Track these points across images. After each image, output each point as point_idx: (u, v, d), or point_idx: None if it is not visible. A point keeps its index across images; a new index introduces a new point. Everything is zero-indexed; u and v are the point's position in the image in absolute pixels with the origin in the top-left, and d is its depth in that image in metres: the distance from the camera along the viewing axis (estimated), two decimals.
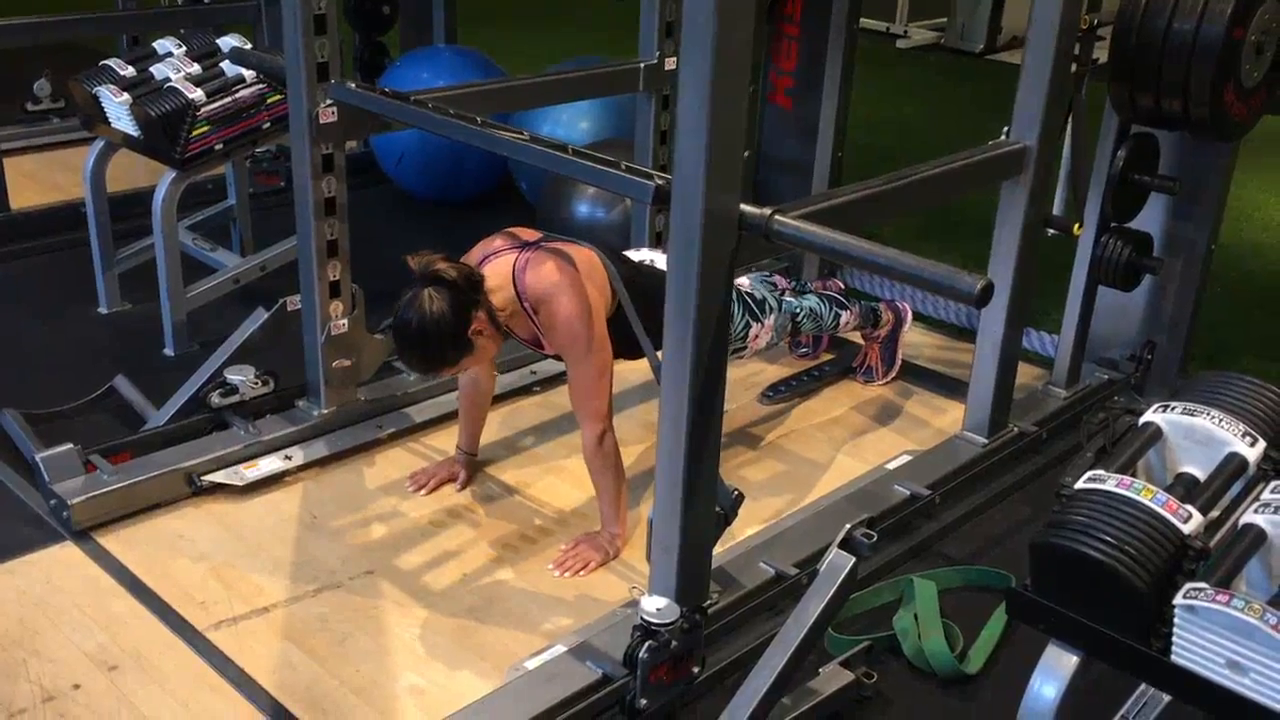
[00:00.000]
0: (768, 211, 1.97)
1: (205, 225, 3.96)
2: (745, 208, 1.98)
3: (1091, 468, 1.56)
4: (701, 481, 2.14)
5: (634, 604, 2.29)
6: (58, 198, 4.41)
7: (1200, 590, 1.35)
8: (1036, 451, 3.00)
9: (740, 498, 2.27)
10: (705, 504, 2.17)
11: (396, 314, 2.38)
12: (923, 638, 2.31)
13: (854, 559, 2.07)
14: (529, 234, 2.59)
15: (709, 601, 2.25)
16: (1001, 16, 8.07)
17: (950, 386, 3.37)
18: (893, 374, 3.39)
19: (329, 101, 2.65)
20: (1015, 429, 2.94)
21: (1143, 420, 1.64)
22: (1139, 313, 3.26)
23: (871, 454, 3.01)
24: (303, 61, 2.59)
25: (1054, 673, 1.54)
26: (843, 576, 2.06)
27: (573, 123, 4.31)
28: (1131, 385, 3.25)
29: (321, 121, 2.65)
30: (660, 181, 2.04)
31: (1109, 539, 1.44)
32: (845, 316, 3.19)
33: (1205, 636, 1.35)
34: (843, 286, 3.56)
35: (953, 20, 8.20)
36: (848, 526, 2.12)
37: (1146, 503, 1.46)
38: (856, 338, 3.40)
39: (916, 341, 3.59)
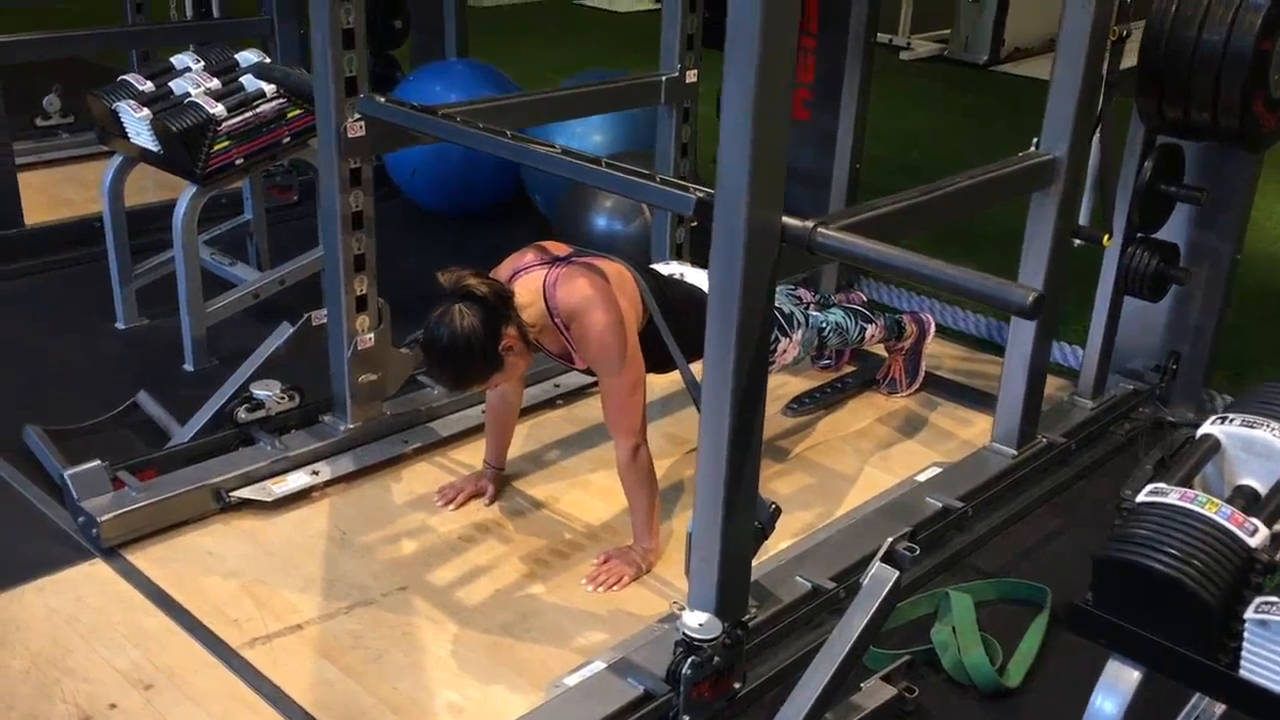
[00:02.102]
0: (810, 224, 1.97)
1: (222, 240, 3.95)
2: (787, 220, 1.97)
3: (1151, 480, 1.55)
4: (741, 495, 2.12)
5: (671, 619, 2.28)
6: (69, 213, 4.40)
7: (1273, 604, 1.34)
8: (1065, 463, 2.99)
9: (778, 511, 2.26)
10: (745, 518, 2.16)
11: (427, 330, 2.37)
12: (962, 651, 2.30)
13: (897, 573, 2.06)
14: (559, 248, 2.58)
15: (748, 616, 2.24)
16: (1005, 29, 8.09)
17: (974, 398, 3.36)
18: (916, 385, 3.38)
19: (357, 116, 2.64)
20: (1044, 440, 2.93)
21: (1201, 432, 1.63)
22: (1162, 323, 3.26)
23: (899, 466, 3.00)
24: (331, 76, 2.58)
25: (1115, 688, 1.53)
26: (886, 590, 2.04)
27: (586, 135, 4.30)
28: (1156, 396, 3.25)
29: (349, 136, 2.64)
30: (701, 194, 2.03)
31: (1174, 552, 1.43)
32: (870, 330, 3.18)
33: (1278, 651, 1.34)
34: (864, 298, 3.56)
35: (956, 32, 8.22)
36: (890, 540, 2.12)
37: (1211, 516, 1.45)
38: (879, 349, 3.40)
39: (937, 353, 3.58)
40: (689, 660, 2.03)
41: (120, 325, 3.69)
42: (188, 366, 3.45)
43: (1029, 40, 8.28)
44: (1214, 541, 1.43)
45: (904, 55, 8.27)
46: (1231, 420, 1.61)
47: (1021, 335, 2.78)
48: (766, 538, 2.27)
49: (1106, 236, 2.78)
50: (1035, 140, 2.66)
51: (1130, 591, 1.47)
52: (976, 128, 6.56)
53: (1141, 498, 1.52)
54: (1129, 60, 2.72)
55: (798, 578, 2.39)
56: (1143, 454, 1.67)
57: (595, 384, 3.26)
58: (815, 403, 3.29)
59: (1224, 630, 1.42)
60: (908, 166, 5.41)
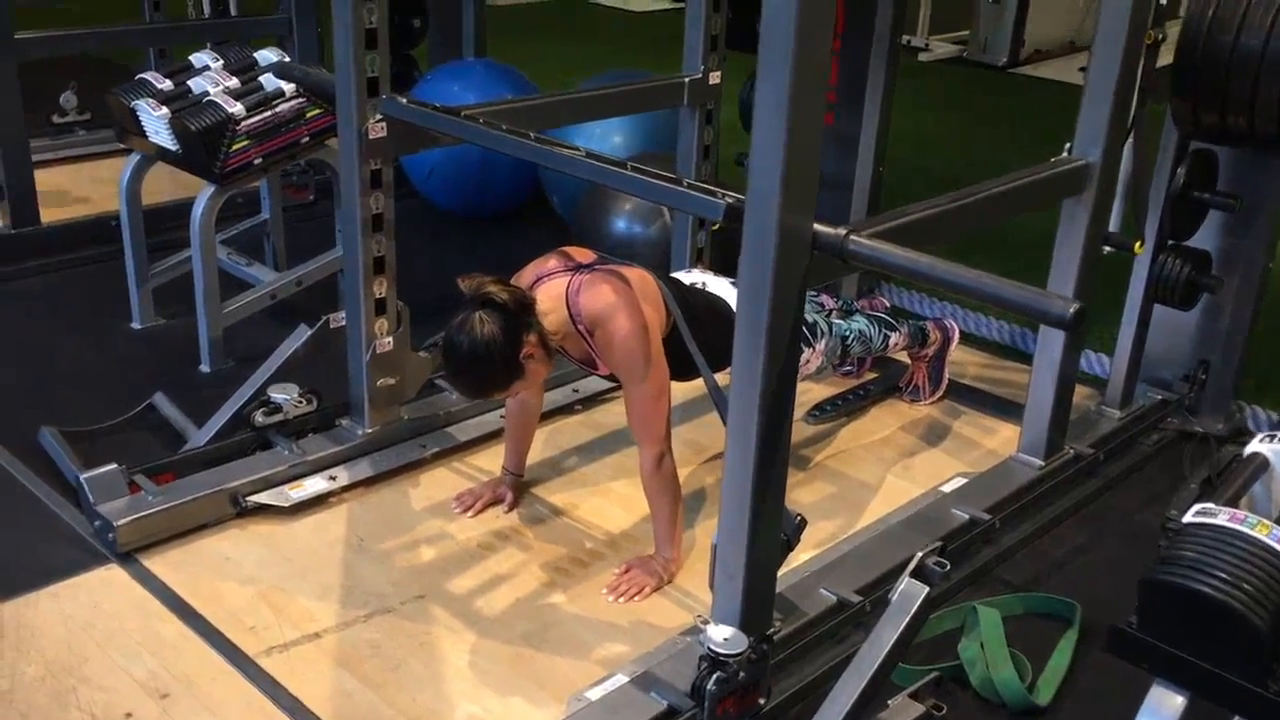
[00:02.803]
0: (843, 231, 1.93)
1: (238, 240, 3.92)
2: (819, 227, 1.94)
3: (1197, 500, 1.51)
4: (767, 506, 2.09)
5: (694, 631, 2.24)
6: (85, 211, 4.38)
7: None
8: (1092, 474, 2.94)
9: (803, 523, 2.22)
10: (771, 529, 2.12)
11: (446, 337, 2.34)
12: (991, 668, 2.26)
13: (927, 588, 2.02)
14: (583, 255, 2.55)
15: (772, 629, 2.20)
16: (1025, 30, 8.03)
17: (998, 406, 3.32)
18: (939, 393, 3.33)
19: (378, 117, 2.60)
20: (1071, 451, 2.88)
21: (1248, 450, 1.59)
22: (1191, 331, 3.21)
23: (923, 475, 2.96)
24: (353, 76, 2.54)
25: (1160, 714, 1.48)
26: (916, 606, 2.00)
27: (605, 136, 4.26)
28: (1185, 406, 3.20)
29: (370, 137, 2.61)
30: (730, 199, 1.99)
31: (1224, 576, 1.38)
32: (894, 338, 3.14)
33: None
34: (887, 304, 3.51)
35: (975, 33, 8.16)
36: (919, 554, 2.08)
37: (1262, 538, 1.40)
38: (902, 356, 3.35)
39: (961, 360, 3.53)
40: (714, 676, 1.99)
41: (136, 325, 3.66)
42: (204, 367, 3.42)
43: (1049, 42, 8.22)
44: (1265, 565, 1.38)
45: (922, 56, 8.21)
46: None
47: (1050, 344, 2.74)
48: (791, 550, 2.22)
49: (1138, 244, 2.73)
50: (1067, 145, 2.62)
51: (1177, 615, 1.42)
52: (995, 130, 6.51)
53: (1188, 518, 1.48)
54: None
55: (822, 590, 2.35)
56: (1188, 472, 1.62)
57: (615, 389, 3.24)
58: (837, 410, 3.25)
59: (1274, 656, 1.37)
60: (925, 169, 5.36)
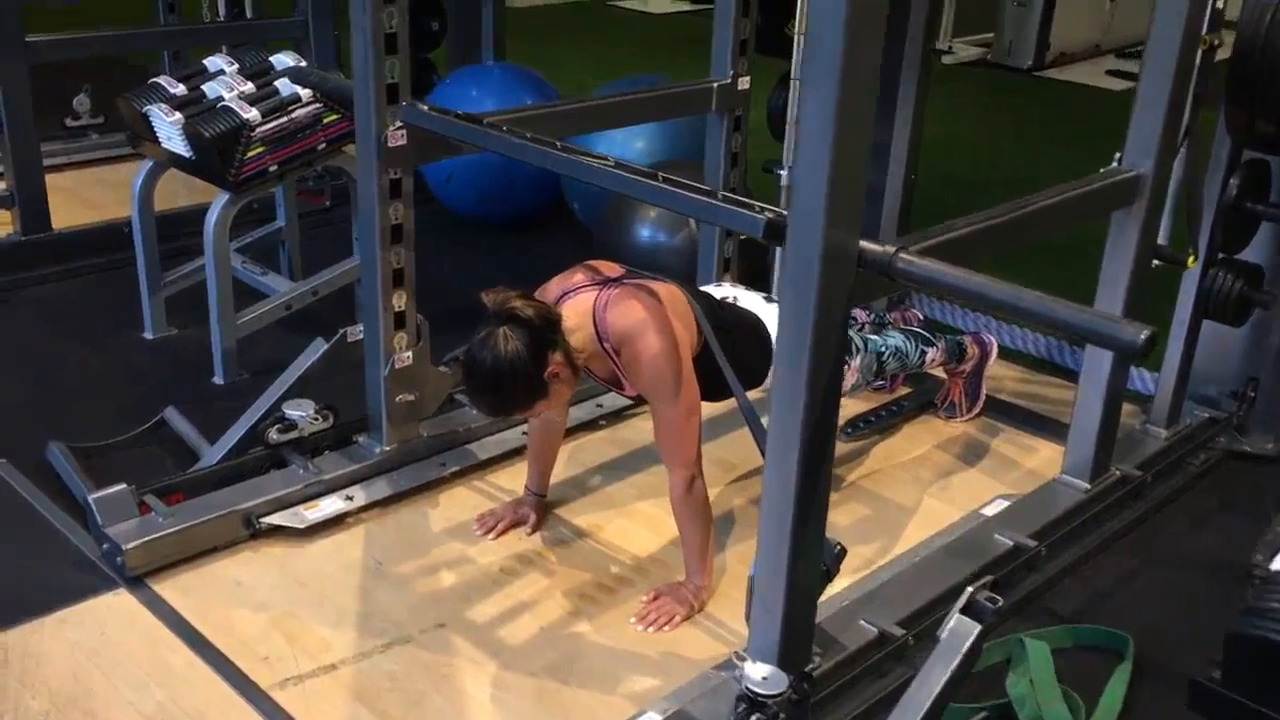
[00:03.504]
0: (891, 248, 1.82)
1: (252, 248, 3.83)
2: (865, 244, 1.83)
3: None
4: (808, 537, 1.98)
5: (728, 666, 2.14)
6: (96, 216, 4.29)
7: None
8: (1139, 497, 2.82)
9: (843, 552, 2.11)
10: (811, 560, 2.01)
11: (469, 354, 2.24)
12: (1042, 706, 2.14)
13: (979, 626, 1.91)
14: (610, 269, 2.44)
15: (811, 665, 2.09)
16: (1050, 33, 7.90)
17: (1037, 423, 3.20)
18: (977, 410, 3.22)
19: (398, 124, 2.50)
20: (1117, 473, 2.76)
21: None
22: (1239, 347, 3.09)
23: (961, 497, 2.84)
24: (372, 82, 2.45)
25: None
26: (968, 646, 1.89)
27: (627, 142, 4.15)
28: (1234, 425, 3.08)
29: (390, 145, 2.51)
30: (770, 214, 1.88)
31: None
32: (931, 354, 3.02)
33: None
34: (921, 317, 3.40)
35: (1000, 36, 8.03)
36: (970, 589, 1.96)
37: None
38: (938, 371, 3.23)
39: (996, 374, 3.41)
40: (752, 717, 1.89)
41: (148, 335, 3.57)
42: (217, 379, 3.32)
43: (1074, 46, 8.09)
44: None
45: (946, 59, 8.08)
46: None
47: (1098, 362, 2.62)
48: (831, 580, 2.11)
49: (1191, 258, 2.61)
50: (1117, 155, 2.50)
51: (1267, 671, 1.31)
52: (1023, 135, 6.39)
53: (1276, 565, 1.36)
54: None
55: (862, 622, 2.24)
56: (1273, 514, 1.50)
57: (639, 406, 3.13)
58: (870, 427, 3.13)
59: None
60: (953, 176, 5.24)
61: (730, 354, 2.36)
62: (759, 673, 1.94)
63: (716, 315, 2.45)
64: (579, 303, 2.34)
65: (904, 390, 3.31)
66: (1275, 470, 3.06)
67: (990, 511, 2.68)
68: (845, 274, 1.82)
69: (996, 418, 3.23)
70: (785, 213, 1.84)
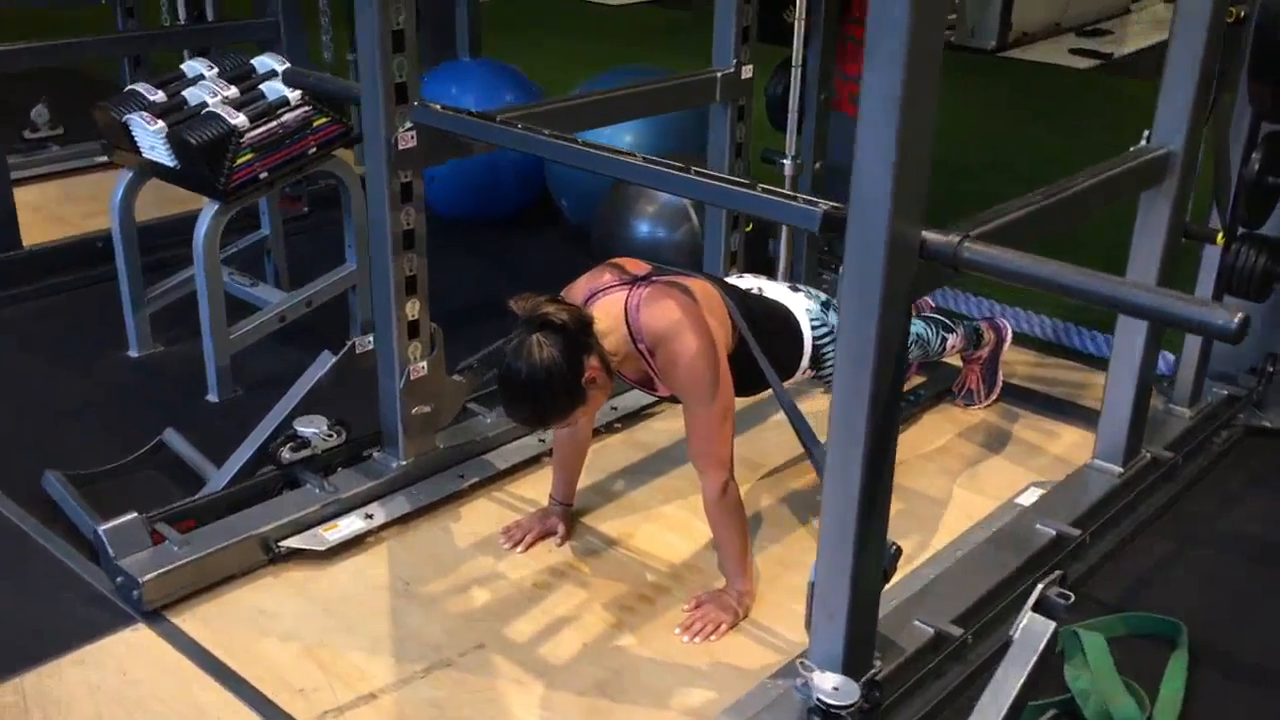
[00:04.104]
0: (955, 237, 1.75)
1: (235, 258, 3.70)
2: (929, 234, 1.76)
3: None
4: (872, 537, 1.91)
5: (788, 675, 2.07)
6: (67, 231, 4.13)
7: None
8: (1170, 479, 2.79)
9: (898, 552, 2.05)
10: (875, 563, 1.95)
11: (503, 364, 2.14)
12: (1108, 701, 2.09)
13: (1053, 624, 1.86)
14: (638, 266, 2.36)
15: (873, 670, 2.02)
16: (1012, 14, 7.91)
17: (1055, 407, 3.17)
18: (995, 396, 3.17)
19: (408, 125, 2.40)
20: (1148, 455, 2.72)
21: None
22: (1256, 323, 3.03)
23: (992, 486, 2.79)
24: (381, 82, 2.34)
25: None
26: (1043, 644, 1.84)
27: (616, 136, 4.05)
28: (1253, 401, 3.06)
29: (400, 147, 2.41)
30: (828, 207, 1.81)
31: None
32: (951, 340, 2.97)
33: None
34: (933, 305, 3.35)
35: (962, 18, 8.02)
36: (1040, 586, 1.91)
37: None
38: (954, 358, 3.18)
39: (1007, 359, 3.34)
40: None
41: (134, 353, 3.43)
42: (211, 397, 3.20)
43: (1035, 25, 8.11)
44: None
45: None
46: None
47: (1129, 345, 2.57)
48: (888, 581, 2.05)
49: (1220, 234, 2.57)
50: (1145, 133, 2.45)
51: None
52: (994, 116, 6.36)
53: None
54: None
55: (917, 623, 2.17)
56: None
57: (654, 407, 3.06)
58: None
59: None
60: (937, 160, 5.18)
61: (766, 349, 2.29)
62: (829, 683, 1.87)
63: (748, 310, 2.38)
64: (610, 303, 2.26)
65: (919, 379, 3.26)
66: None
67: (1026, 500, 2.63)
68: (909, 265, 1.75)
69: (1014, 403, 3.19)
70: (841, 205, 1.77)
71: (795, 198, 1.89)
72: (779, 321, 2.47)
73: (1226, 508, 2.78)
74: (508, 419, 2.68)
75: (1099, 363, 3.44)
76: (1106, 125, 6.00)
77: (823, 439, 1.94)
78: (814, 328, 2.50)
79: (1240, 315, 1.51)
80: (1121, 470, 2.66)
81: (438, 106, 2.41)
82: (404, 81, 2.38)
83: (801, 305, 2.52)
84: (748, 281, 2.62)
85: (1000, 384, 3.18)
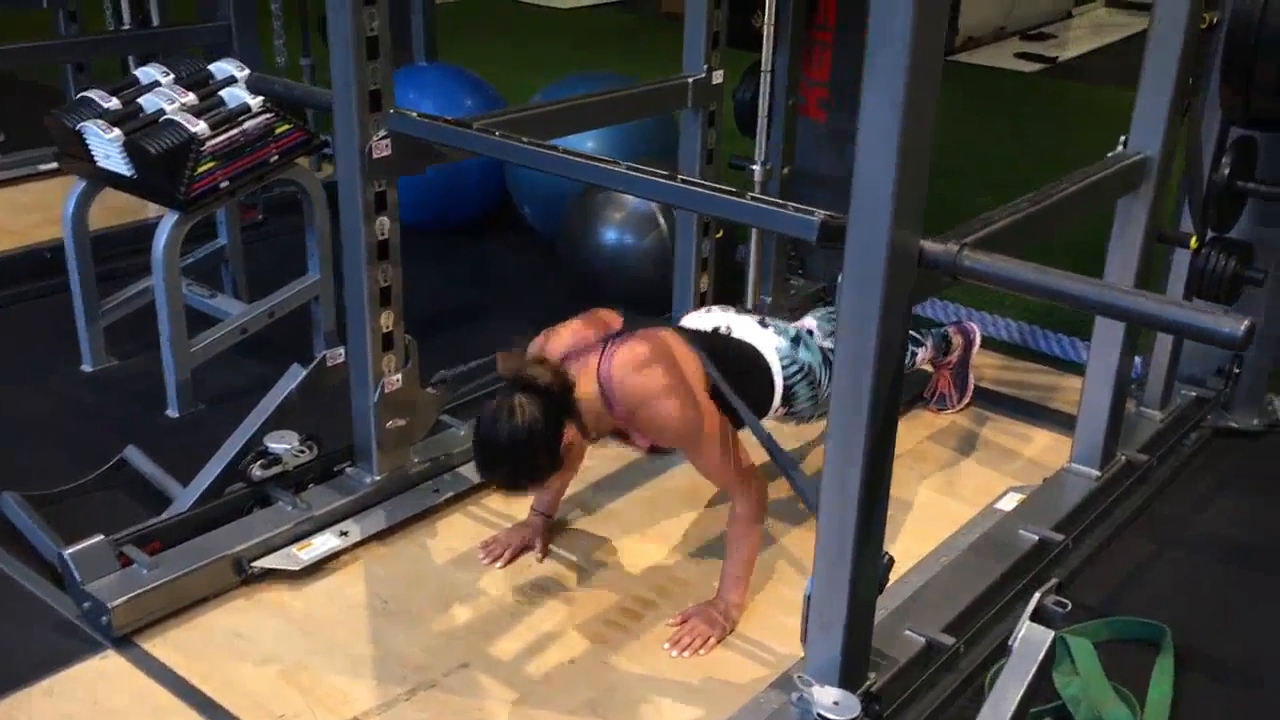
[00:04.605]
0: (954, 246, 1.74)
1: (191, 269, 3.60)
2: (927, 243, 1.75)
3: None
4: (870, 548, 1.90)
5: (784, 688, 2.04)
6: (14, 242, 4.00)
7: None
8: (1144, 481, 2.81)
9: (891, 562, 2.03)
10: (871, 574, 1.93)
11: (482, 423, 2.09)
12: (1099, 707, 2.09)
13: (1052, 633, 1.85)
14: (612, 319, 2.31)
15: (869, 682, 2.01)
16: (958, 18, 7.98)
17: (1026, 410, 3.18)
18: (967, 399, 3.18)
19: (383, 133, 2.35)
20: (1124, 458, 2.74)
21: None
22: None
23: (969, 491, 2.79)
24: (354, 90, 2.29)
25: None
26: (1042, 653, 1.83)
27: (579, 143, 4.02)
28: (1220, 403, 3.09)
29: (375, 156, 2.35)
30: (825, 216, 1.78)
31: None
32: (921, 354, 2.98)
33: None
34: None
35: None
36: (1037, 595, 1.90)
37: None
38: (925, 365, 3.18)
39: (977, 362, 3.37)
40: None
41: (87, 367, 3.33)
42: (171, 412, 3.11)
43: (980, 29, 8.19)
44: None
45: None
46: None
47: (1106, 350, 2.59)
48: (881, 592, 2.03)
49: (1194, 239, 2.59)
50: (1122, 139, 2.46)
51: None
52: (948, 120, 6.36)
53: None
54: None
55: (908, 632, 2.16)
56: None
57: None
58: None
59: None
60: None
61: (737, 391, 2.26)
62: (829, 697, 1.85)
63: (718, 355, 2.31)
64: (586, 371, 2.19)
65: None
66: (1261, 445, 3.08)
67: (1005, 506, 2.64)
68: (908, 274, 1.74)
69: (985, 406, 3.20)
70: (838, 215, 1.75)
71: (789, 206, 1.86)
72: (748, 363, 2.44)
73: (1200, 509, 2.81)
74: (507, 493, 2.58)
75: (1066, 365, 3.47)
76: (1056, 128, 6.08)
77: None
78: (784, 366, 2.47)
79: (1246, 323, 1.51)
80: (1099, 474, 2.67)
81: (414, 114, 2.35)
82: (378, 89, 2.32)
83: (771, 344, 2.49)
84: (715, 318, 2.58)
85: (972, 387, 3.18)
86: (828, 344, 2.65)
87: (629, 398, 2.16)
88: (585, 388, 2.16)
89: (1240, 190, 2.74)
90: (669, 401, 2.16)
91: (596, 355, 2.21)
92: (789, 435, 2.82)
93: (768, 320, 2.58)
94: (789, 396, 2.48)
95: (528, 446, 2.04)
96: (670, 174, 2.02)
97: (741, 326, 2.54)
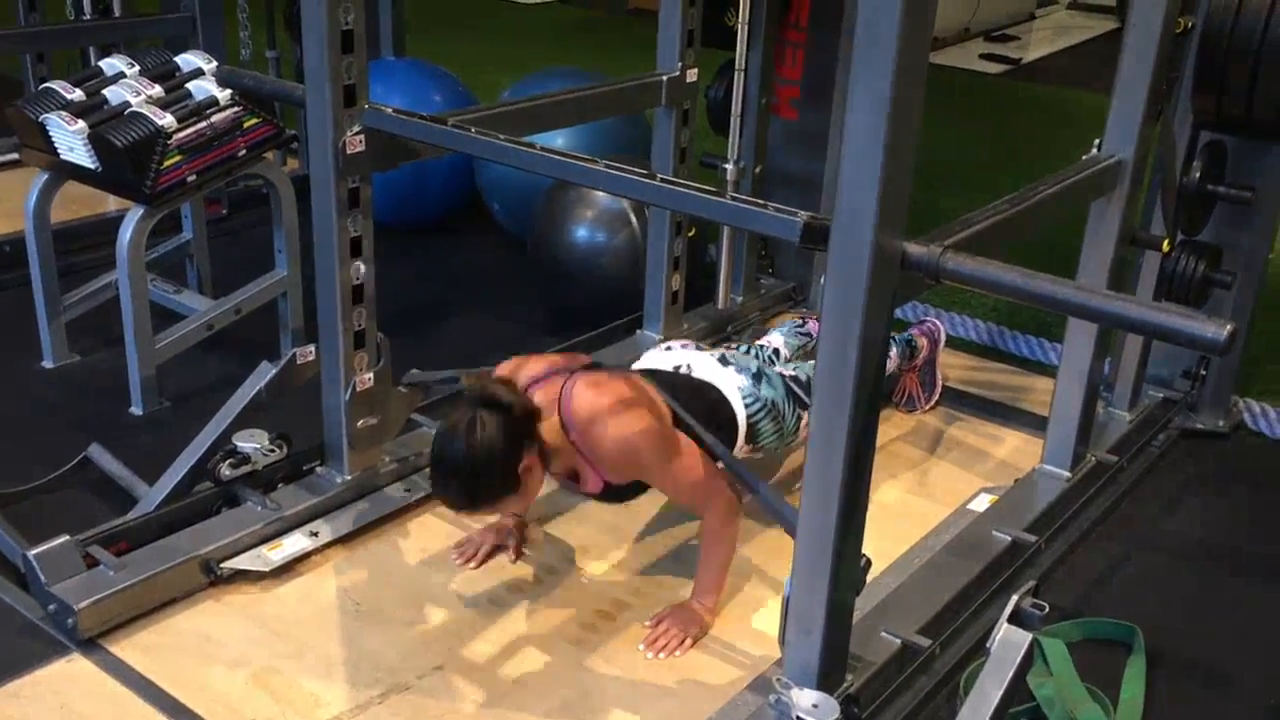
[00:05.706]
0: (937, 248, 1.74)
1: (156, 264, 3.54)
2: (910, 245, 1.74)
3: None
4: (849, 551, 1.90)
5: (758, 689, 2.04)
6: None
7: None
8: (1113, 482, 2.83)
9: (868, 564, 2.03)
10: (850, 576, 1.93)
11: (439, 437, 2.07)
12: (1073, 707, 2.10)
13: (1030, 636, 1.85)
14: (577, 358, 2.32)
15: (846, 684, 2.00)
16: None
17: (995, 411, 3.20)
18: (935, 398, 3.19)
19: (357, 129, 2.32)
20: (1094, 459, 2.76)
21: None
22: None
23: (941, 492, 2.80)
24: (329, 84, 2.25)
25: None
26: (1021, 656, 1.83)
27: (548, 139, 3.98)
28: (1187, 404, 3.12)
29: (349, 152, 2.32)
30: (808, 217, 1.77)
31: None
32: (888, 366, 2.97)
33: None
34: None
35: None
36: (1015, 597, 1.91)
37: None
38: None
39: (945, 361, 3.39)
40: None
41: (48, 364, 3.27)
42: (135, 410, 3.06)
43: (945, 30, 8.22)
44: None
45: None
46: None
47: (1078, 353, 2.60)
48: (858, 594, 2.03)
49: (1166, 241, 2.61)
50: (1096, 142, 2.47)
51: None
52: (924, 124, 6.42)
53: None
54: None
55: (883, 634, 2.16)
56: None
57: None
58: None
59: None
60: None
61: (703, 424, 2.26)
62: (807, 700, 1.85)
63: (679, 394, 2.32)
64: (549, 395, 2.19)
65: None
66: (1227, 446, 3.12)
67: (978, 507, 2.65)
68: (891, 276, 1.73)
69: (953, 406, 3.21)
70: (822, 216, 1.75)
71: (769, 207, 1.85)
72: (712, 405, 2.43)
73: (1169, 511, 2.83)
74: (458, 512, 2.53)
75: (1034, 366, 3.50)
76: (1021, 129, 6.11)
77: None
78: (747, 405, 2.47)
79: (1230, 328, 1.51)
80: (1070, 475, 2.69)
81: (388, 109, 2.32)
82: (353, 84, 2.29)
83: (733, 383, 2.49)
84: (675, 356, 2.58)
85: (940, 385, 3.20)
86: (790, 369, 2.65)
87: (586, 418, 2.15)
88: (547, 414, 2.15)
89: (1210, 194, 2.77)
90: (628, 417, 2.15)
91: (561, 381, 2.21)
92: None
93: (729, 357, 2.58)
94: (753, 434, 2.49)
95: (487, 463, 2.02)
96: (650, 173, 2.00)
97: (702, 365, 2.54)
